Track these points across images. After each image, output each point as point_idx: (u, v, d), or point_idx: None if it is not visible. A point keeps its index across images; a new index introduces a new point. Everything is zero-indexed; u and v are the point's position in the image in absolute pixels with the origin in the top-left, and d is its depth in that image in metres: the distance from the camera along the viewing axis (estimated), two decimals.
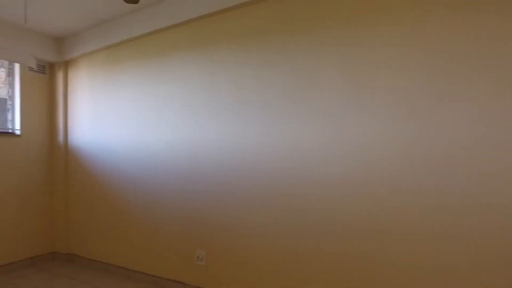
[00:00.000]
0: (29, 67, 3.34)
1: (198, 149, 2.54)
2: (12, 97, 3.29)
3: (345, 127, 1.95)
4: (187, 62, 2.62)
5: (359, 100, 1.91)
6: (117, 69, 3.08)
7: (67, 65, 3.53)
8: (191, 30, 2.61)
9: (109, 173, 3.10)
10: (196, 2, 2.48)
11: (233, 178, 2.36)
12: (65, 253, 3.40)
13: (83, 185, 3.30)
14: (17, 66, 3.29)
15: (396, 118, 1.81)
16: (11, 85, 3.30)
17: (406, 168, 1.77)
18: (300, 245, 2.09)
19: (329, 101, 2.00)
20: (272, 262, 2.20)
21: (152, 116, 2.81)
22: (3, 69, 3.30)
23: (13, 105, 3.28)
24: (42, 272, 3.06)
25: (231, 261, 2.36)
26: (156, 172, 2.77)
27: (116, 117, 3.06)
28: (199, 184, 2.53)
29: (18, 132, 3.25)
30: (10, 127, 3.26)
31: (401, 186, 1.79)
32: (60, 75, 3.51)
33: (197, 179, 2.54)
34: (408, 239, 1.77)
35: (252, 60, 2.30)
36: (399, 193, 1.79)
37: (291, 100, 2.13)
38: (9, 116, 3.27)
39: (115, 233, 3.03)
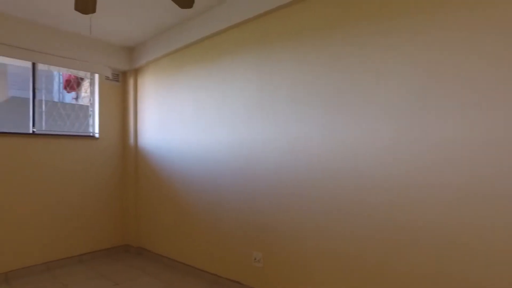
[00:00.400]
0: (106, 77, 3.77)
1: (255, 150, 2.56)
2: (92, 104, 3.74)
3: (415, 125, 1.77)
4: (244, 63, 2.66)
5: (433, 95, 1.72)
6: (179, 73, 3.28)
7: (137, 72, 3.88)
8: (247, 30, 2.65)
9: (173, 174, 3.31)
10: (251, 2, 2.51)
11: (290, 180, 2.33)
12: (136, 246, 3.74)
13: (151, 183, 3.59)
14: (96, 76, 3.73)
15: (479, 115, 1.58)
16: (92, 94, 3.75)
17: (495, 171, 1.54)
18: (360, 253, 1.96)
19: (397, 97, 1.84)
20: (327, 268, 2.10)
21: (212, 118, 2.93)
22: (87, 80, 3.77)
23: (93, 111, 3.73)
24: (116, 261, 3.42)
25: (288, 264, 2.33)
26: (216, 173, 2.87)
27: (179, 119, 3.26)
28: (256, 185, 2.55)
29: (97, 136, 3.68)
30: (91, 131, 3.71)
31: (491, 193, 1.55)
32: (131, 82, 3.88)
33: (254, 181, 2.56)
34: (496, 258, 1.53)
35: (310, 56, 2.23)
36: (484, 201, 1.56)
37: (354, 97, 2.01)
38: (90, 121, 3.72)
39: (179, 231, 3.22)
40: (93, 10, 1.98)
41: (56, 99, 4.11)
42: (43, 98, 3.33)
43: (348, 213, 2.01)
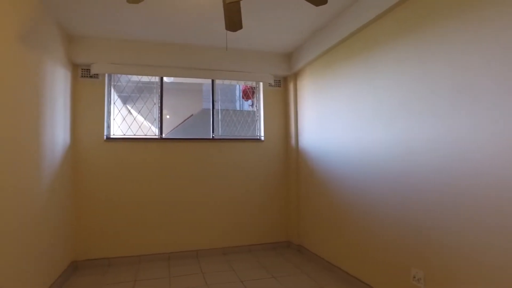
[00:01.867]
0: (269, 84, 4.27)
1: (414, 150, 2.31)
2: (258, 110, 4.32)
3: None
4: (396, 53, 2.46)
5: None
6: (332, 72, 3.35)
7: (296, 76, 4.20)
8: (395, 17, 2.45)
9: (330, 175, 3.40)
10: None
11: (460, 186, 1.97)
12: (296, 244, 4.04)
13: (310, 184, 3.80)
14: (261, 84, 4.29)
15: None
16: (258, 100, 4.34)
17: None
18: None
19: None
20: None
21: (365, 116, 2.84)
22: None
23: (259, 116, 4.30)
24: (277, 256, 3.83)
25: None
26: (371, 174, 2.77)
27: (333, 119, 3.32)
28: (415, 190, 2.30)
29: (262, 138, 4.22)
30: (257, 134, 4.29)
31: None
32: (291, 86, 4.23)
33: (413, 185, 2.32)
34: None
35: (481, 37, 1.85)
36: None
37: None
38: (257, 125, 4.31)
39: (335, 234, 3.27)
40: (240, 27, 2.35)
41: (237, 108, 5.00)
42: (219, 108, 4.14)
43: None
